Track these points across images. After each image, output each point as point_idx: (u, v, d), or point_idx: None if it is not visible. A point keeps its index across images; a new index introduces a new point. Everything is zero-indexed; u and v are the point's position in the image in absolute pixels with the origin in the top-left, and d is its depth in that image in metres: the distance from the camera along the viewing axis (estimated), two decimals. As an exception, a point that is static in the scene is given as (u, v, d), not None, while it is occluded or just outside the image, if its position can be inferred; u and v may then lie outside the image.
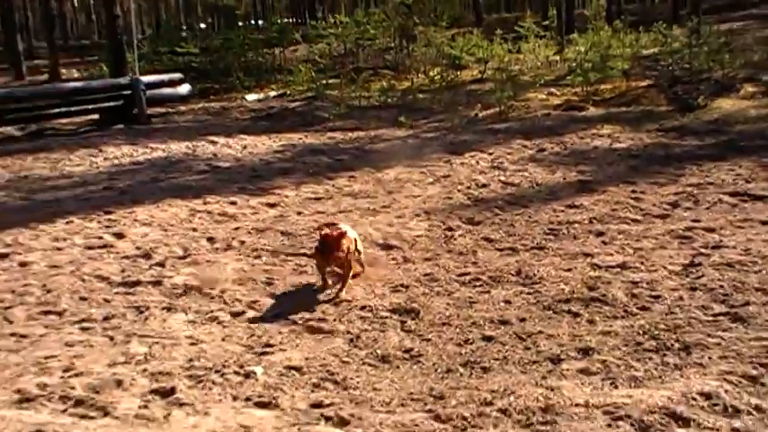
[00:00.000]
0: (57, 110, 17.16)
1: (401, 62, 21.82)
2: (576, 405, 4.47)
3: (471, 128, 13.73)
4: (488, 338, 5.62)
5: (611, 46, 17.78)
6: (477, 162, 11.10)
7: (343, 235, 6.68)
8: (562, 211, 8.55)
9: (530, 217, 8.46)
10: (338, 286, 6.75)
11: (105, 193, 10.79)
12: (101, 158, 13.12)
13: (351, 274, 6.79)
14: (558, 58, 19.00)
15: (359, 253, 7.00)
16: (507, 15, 34.93)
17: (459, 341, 5.62)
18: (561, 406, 4.48)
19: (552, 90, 17.17)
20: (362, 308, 6.33)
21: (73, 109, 17.31)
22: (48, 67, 29.95)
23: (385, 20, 23.05)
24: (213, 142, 13.82)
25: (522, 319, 5.87)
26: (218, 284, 7.05)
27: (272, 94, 21.05)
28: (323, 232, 6.90)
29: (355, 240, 6.89)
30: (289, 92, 20.60)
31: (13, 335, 6.21)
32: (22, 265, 7.93)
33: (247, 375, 5.22)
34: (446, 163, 11.20)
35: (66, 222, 9.31)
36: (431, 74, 20.04)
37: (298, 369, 5.35)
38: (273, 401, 4.95)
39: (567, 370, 5.00)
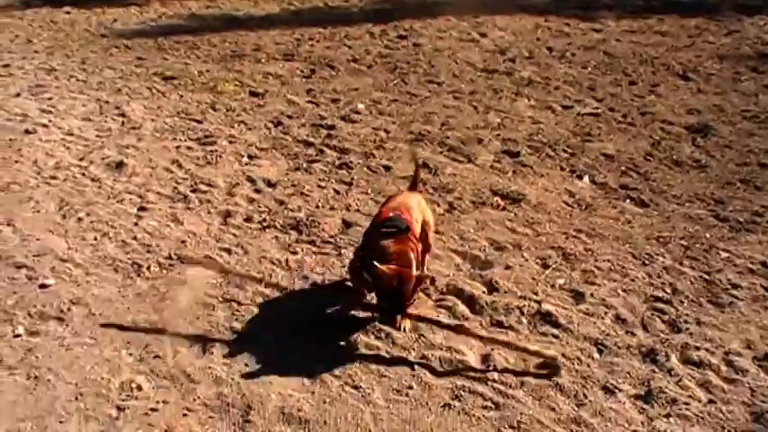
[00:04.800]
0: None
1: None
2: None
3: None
4: (763, 165, 4.89)
5: None
6: (765, 24, 9.44)
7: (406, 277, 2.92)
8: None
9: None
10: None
11: (471, 2, 10.33)
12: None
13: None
14: None
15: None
16: None
17: (739, 162, 4.95)
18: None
19: None
20: (663, 121, 5.70)
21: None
22: None
23: None
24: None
25: (794, 157, 5.05)
26: (553, 83, 6.61)
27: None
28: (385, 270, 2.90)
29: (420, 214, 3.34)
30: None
31: (407, 93, 6.25)
32: (415, 45, 7.88)
33: (573, 154, 4.92)
34: (737, 21, 9.63)
35: (445, 20, 9.07)
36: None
37: (611, 157, 4.96)
38: (590, 177, 4.65)
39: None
